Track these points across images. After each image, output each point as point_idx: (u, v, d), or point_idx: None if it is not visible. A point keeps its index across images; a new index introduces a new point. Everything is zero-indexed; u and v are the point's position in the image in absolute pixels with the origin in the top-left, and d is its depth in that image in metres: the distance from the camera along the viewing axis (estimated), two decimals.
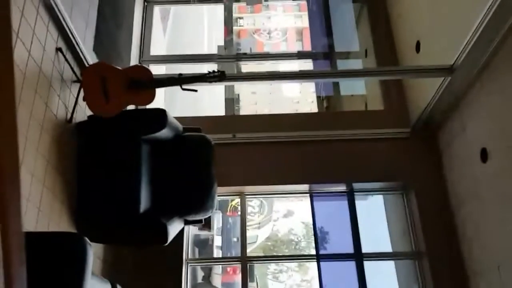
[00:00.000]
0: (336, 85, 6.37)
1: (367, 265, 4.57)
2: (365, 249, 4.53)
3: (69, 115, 3.15)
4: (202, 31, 12.07)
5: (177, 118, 3.59)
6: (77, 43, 3.17)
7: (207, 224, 6.97)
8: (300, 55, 6.21)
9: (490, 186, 3.58)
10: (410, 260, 4.45)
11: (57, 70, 2.98)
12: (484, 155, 3.61)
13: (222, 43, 5.67)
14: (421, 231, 4.25)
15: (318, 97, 7.80)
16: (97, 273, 3.22)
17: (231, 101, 6.67)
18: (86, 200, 3.23)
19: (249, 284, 4.38)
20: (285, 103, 30.93)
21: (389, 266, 4.97)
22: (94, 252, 2.31)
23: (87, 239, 2.16)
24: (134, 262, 4.12)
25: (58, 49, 2.99)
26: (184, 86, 3.12)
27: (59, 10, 2.87)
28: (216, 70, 3.06)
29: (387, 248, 5.04)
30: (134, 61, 4.70)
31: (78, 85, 3.23)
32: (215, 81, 3.07)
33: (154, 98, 3.03)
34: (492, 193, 3.56)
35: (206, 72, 3.07)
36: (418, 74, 4.02)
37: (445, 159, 4.33)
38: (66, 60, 3.09)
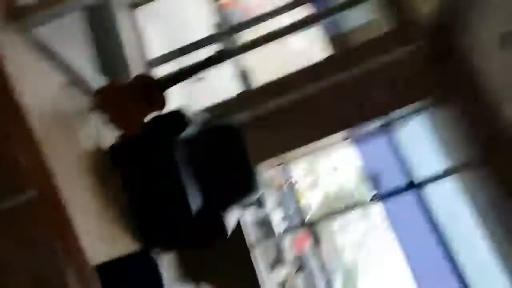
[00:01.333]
0: (341, 23, 6.09)
1: (428, 191, 4.51)
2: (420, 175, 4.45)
3: (98, 142, 3.18)
4: (194, 15, 11.89)
5: (198, 111, 3.57)
6: (79, 73, 3.16)
7: (260, 204, 7.02)
8: (297, 2, 5.72)
9: None
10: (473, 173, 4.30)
11: (71, 105, 2.99)
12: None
13: (214, 21, 5.47)
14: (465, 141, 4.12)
15: (330, 39, 7.60)
16: (173, 282, 3.28)
17: (242, 77, 6.53)
18: (141, 216, 3.28)
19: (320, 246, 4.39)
20: (296, 59, 30.38)
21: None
22: (164, 264, 2.34)
23: (155, 254, 2.19)
24: (201, 262, 4.10)
25: (64, 84, 2.99)
26: (190, 79, 3.09)
27: (52, 47, 2.85)
28: (215, 52, 3.00)
29: (441, 168, 4.92)
30: (137, 69, 4.64)
31: (95, 112, 3.24)
32: (220, 62, 3.02)
33: (166, 101, 3.01)
34: None
35: (206, 57, 3.01)
36: None
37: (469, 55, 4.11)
38: (75, 92, 3.09)
